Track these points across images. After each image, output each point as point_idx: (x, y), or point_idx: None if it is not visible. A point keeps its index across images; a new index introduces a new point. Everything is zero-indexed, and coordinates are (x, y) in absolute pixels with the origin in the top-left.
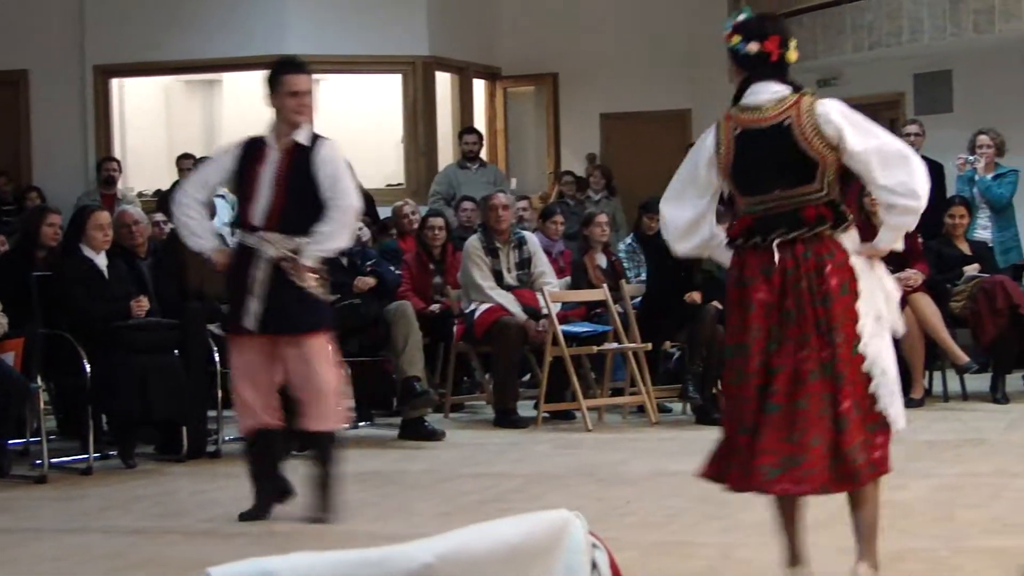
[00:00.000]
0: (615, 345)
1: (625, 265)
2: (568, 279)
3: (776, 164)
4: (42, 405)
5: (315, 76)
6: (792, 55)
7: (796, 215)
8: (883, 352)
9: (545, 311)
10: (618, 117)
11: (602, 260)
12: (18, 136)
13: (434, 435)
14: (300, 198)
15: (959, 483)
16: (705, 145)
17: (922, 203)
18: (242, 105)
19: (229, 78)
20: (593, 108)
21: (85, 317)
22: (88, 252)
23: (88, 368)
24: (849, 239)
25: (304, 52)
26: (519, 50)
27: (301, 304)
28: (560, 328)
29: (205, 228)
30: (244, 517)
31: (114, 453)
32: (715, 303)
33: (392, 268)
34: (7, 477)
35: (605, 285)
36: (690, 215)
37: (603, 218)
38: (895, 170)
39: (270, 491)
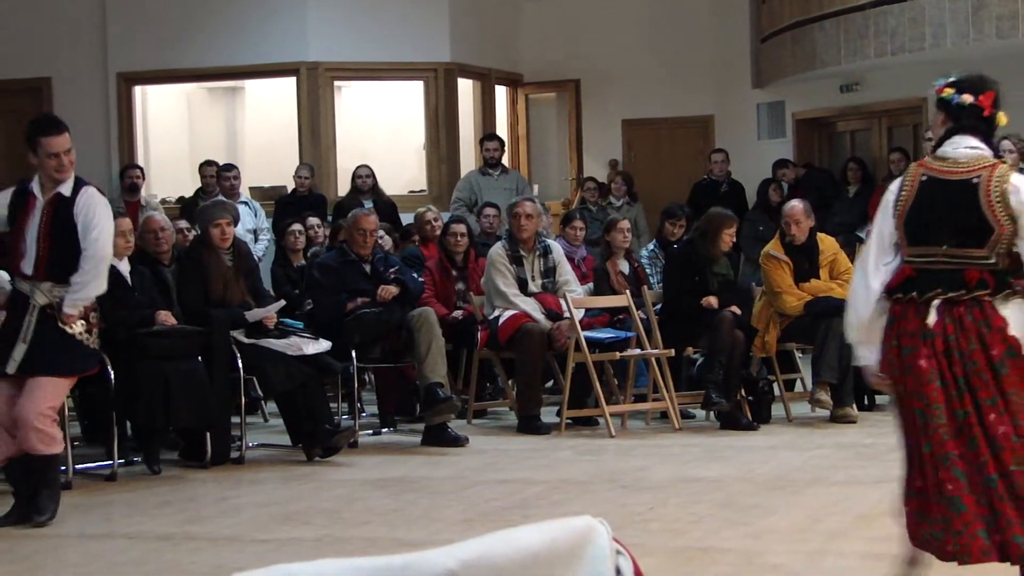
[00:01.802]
0: (638, 351)
1: (647, 271)
2: (591, 285)
3: (953, 219)
4: (66, 411)
5: (337, 83)
6: (1002, 119)
7: (958, 276)
8: None
9: (567, 316)
10: (640, 123)
11: (624, 266)
12: None
13: (457, 441)
14: (63, 248)
15: None
16: (889, 193)
17: None
18: (264, 112)
19: (251, 85)
20: (615, 114)
21: (108, 324)
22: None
23: (112, 375)
24: (1009, 309)
25: (326, 59)
26: (541, 56)
27: (60, 349)
28: (583, 334)
29: None
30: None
31: (138, 459)
32: (732, 308)
33: (415, 275)
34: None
35: (627, 291)
36: (878, 284)
37: (625, 224)
38: None
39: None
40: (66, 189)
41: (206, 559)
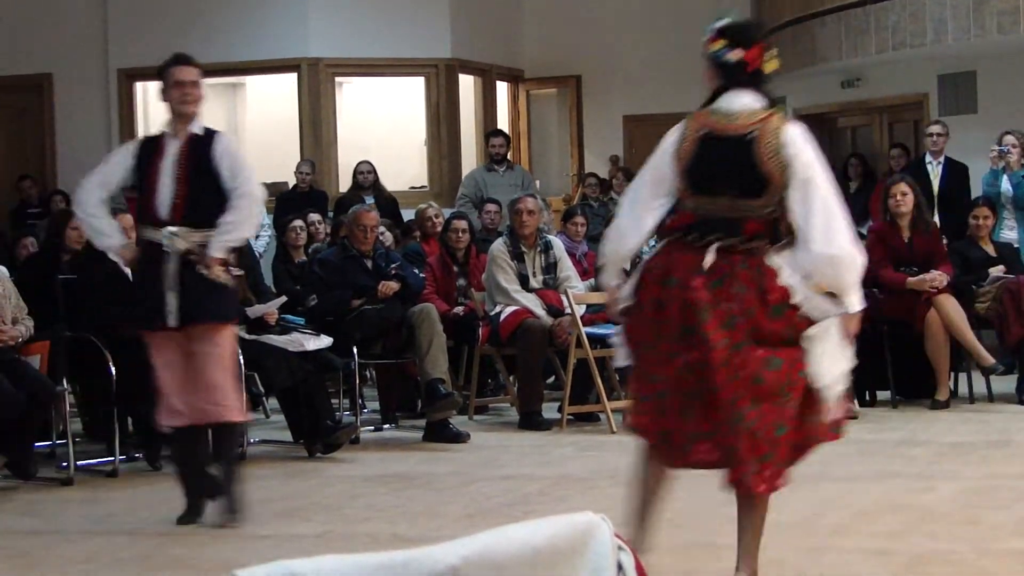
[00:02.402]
0: None
1: None
2: (592, 281)
3: (732, 172)
4: (68, 408)
5: (338, 79)
6: (771, 65)
7: (736, 225)
8: (827, 364)
9: (569, 312)
10: (641, 119)
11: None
12: (43, 140)
13: (458, 437)
14: (201, 190)
15: (985, 485)
16: (668, 143)
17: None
18: (265, 108)
19: (252, 81)
20: (616, 110)
21: (107, 318)
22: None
23: (113, 371)
24: (782, 259)
25: (327, 55)
26: (542, 52)
27: (212, 295)
28: (584, 330)
29: (111, 226)
30: (181, 521)
31: (140, 455)
32: None
33: (416, 271)
34: (34, 479)
35: None
36: (653, 222)
37: None
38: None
39: (200, 490)
40: (198, 128)
41: (208, 555)
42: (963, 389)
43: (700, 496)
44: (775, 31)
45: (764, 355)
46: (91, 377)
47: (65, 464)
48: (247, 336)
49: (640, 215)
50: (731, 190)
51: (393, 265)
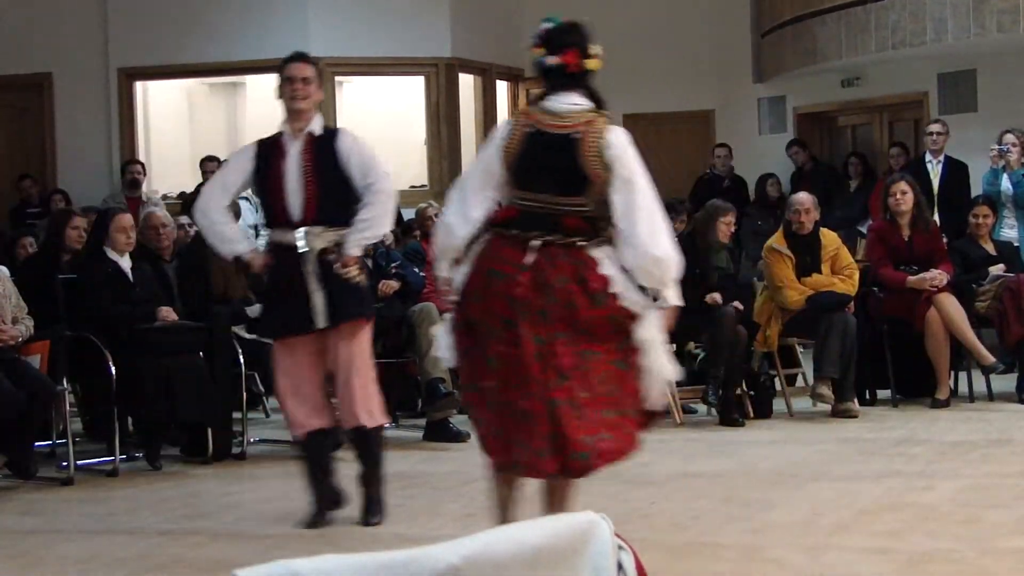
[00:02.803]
0: None
1: None
2: None
3: (555, 170)
4: (68, 407)
5: (338, 78)
6: (592, 64)
7: (557, 221)
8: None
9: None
10: (641, 118)
11: None
12: (43, 139)
13: (459, 437)
14: (330, 188)
15: (985, 484)
16: (497, 136)
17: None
18: (265, 108)
19: (252, 81)
20: (616, 109)
21: (109, 319)
22: (112, 254)
23: (114, 370)
24: (602, 252)
25: (326, 55)
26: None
27: (353, 294)
28: None
29: (235, 232)
30: (309, 525)
31: (140, 455)
32: (735, 304)
33: (416, 270)
34: (34, 479)
35: None
36: (480, 213)
37: None
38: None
39: (326, 496)
40: (317, 128)
41: (208, 554)
42: (963, 388)
43: (700, 496)
44: (775, 30)
45: (584, 348)
46: (91, 377)
47: (65, 464)
48: (247, 335)
49: (468, 207)
50: (553, 187)
51: (393, 264)
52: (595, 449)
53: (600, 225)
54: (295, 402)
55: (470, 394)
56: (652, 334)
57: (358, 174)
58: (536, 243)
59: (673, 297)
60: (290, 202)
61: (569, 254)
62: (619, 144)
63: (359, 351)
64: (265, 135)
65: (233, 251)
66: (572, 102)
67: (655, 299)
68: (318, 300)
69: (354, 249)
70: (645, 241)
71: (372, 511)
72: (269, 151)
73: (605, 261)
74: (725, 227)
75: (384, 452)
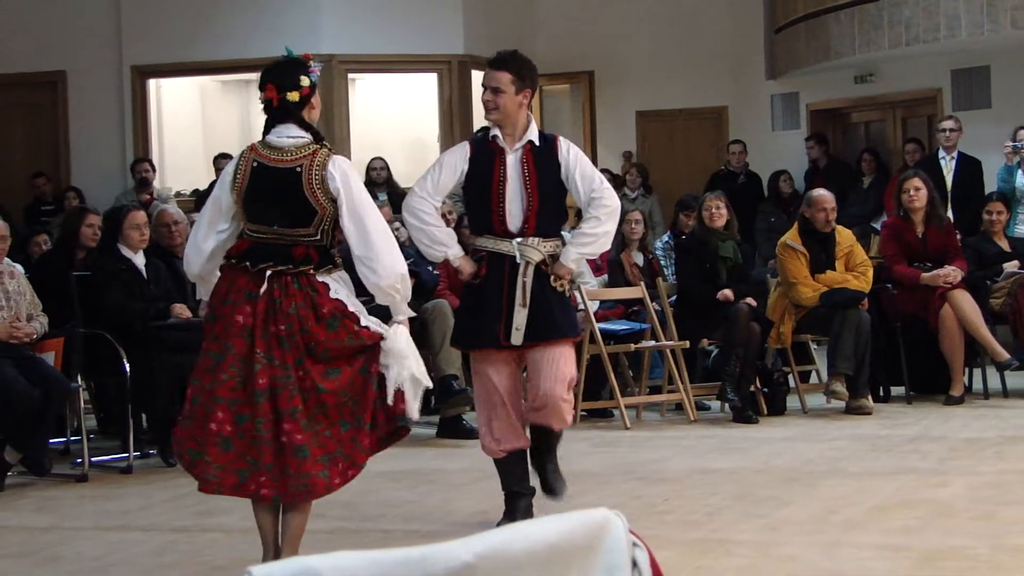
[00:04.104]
0: (652, 343)
1: (662, 263)
2: (605, 277)
3: (280, 203)
4: (82, 404)
5: (351, 75)
6: (293, 96)
7: (287, 251)
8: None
9: (582, 307)
10: (654, 115)
11: (639, 258)
12: (57, 137)
13: (472, 433)
14: (550, 199)
15: (1000, 481)
16: (227, 171)
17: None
18: None
19: None
20: (629, 106)
21: (122, 316)
22: (125, 251)
23: (128, 367)
24: (331, 278)
25: (339, 52)
26: (555, 48)
27: (562, 310)
28: (598, 326)
29: (449, 235)
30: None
31: (154, 452)
32: (748, 300)
33: (430, 268)
34: (48, 476)
35: (642, 283)
36: (215, 243)
37: (635, 216)
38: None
39: (520, 499)
40: (535, 137)
41: (222, 551)
42: (977, 385)
43: (714, 493)
44: (788, 26)
45: (323, 368)
46: (105, 374)
47: (80, 460)
48: None
49: (201, 240)
50: (281, 219)
51: (407, 261)
52: (315, 480)
53: (326, 252)
54: (488, 419)
55: (191, 427)
56: (402, 345)
57: (586, 185)
58: (268, 272)
59: (407, 310)
60: (510, 211)
61: (299, 282)
62: (342, 173)
63: (565, 358)
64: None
65: (444, 254)
66: (290, 135)
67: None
68: (521, 317)
69: (572, 262)
70: (390, 263)
71: (553, 491)
72: (484, 154)
73: (334, 286)
74: (716, 210)
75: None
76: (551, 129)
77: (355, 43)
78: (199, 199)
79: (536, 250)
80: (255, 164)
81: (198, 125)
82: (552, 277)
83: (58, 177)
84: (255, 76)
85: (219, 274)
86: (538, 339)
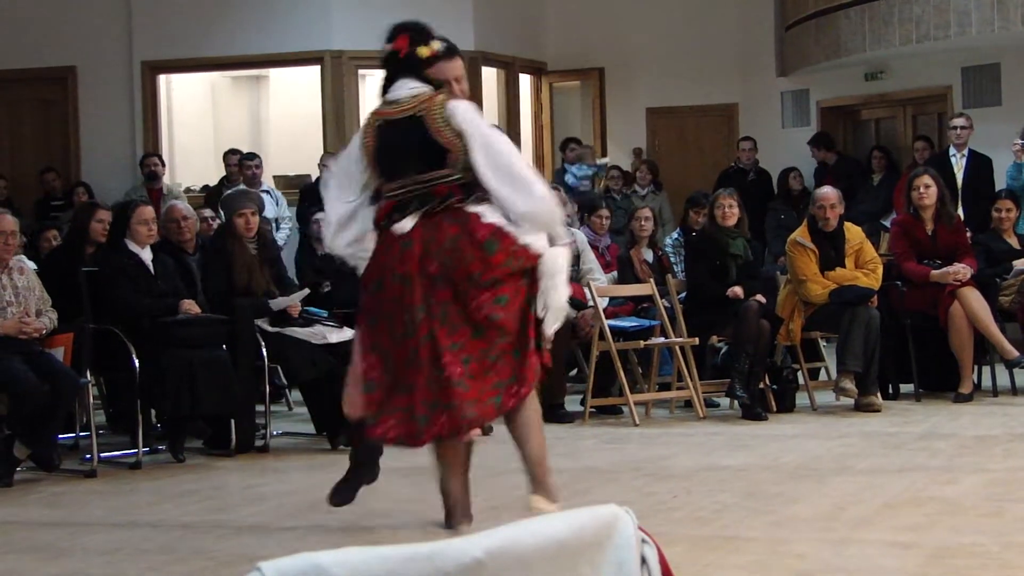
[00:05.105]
0: (662, 340)
1: (672, 260)
2: (615, 274)
3: (411, 151)
4: (91, 400)
5: (361, 71)
6: (423, 51)
7: (428, 194)
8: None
9: (591, 305)
10: (664, 112)
11: (648, 255)
12: (67, 132)
13: (482, 430)
14: None
15: (1009, 478)
16: (355, 141)
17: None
18: (288, 100)
19: (275, 73)
20: (639, 103)
21: (130, 311)
22: (133, 247)
23: (137, 363)
24: (481, 207)
25: (350, 48)
26: (565, 45)
27: None
28: (607, 323)
29: None
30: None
31: (163, 448)
32: (758, 297)
33: None
34: (57, 471)
35: (652, 280)
36: (344, 210)
37: (644, 212)
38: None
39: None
40: None
41: (231, 547)
42: (987, 382)
43: (723, 490)
44: (799, 23)
45: (491, 296)
46: (115, 369)
47: (89, 456)
48: (269, 328)
49: (331, 212)
50: (415, 167)
51: None
52: (484, 408)
53: (471, 187)
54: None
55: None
56: (559, 264)
57: None
58: (414, 214)
59: (563, 233)
60: None
61: (449, 215)
62: (463, 110)
63: None
64: (283, 122)
65: None
66: (409, 87)
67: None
68: None
69: None
70: (520, 198)
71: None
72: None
73: (486, 213)
74: (728, 208)
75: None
76: (561, 126)
77: (365, 39)
78: (209, 195)
79: None
80: (379, 124)
81: (208, 121)
82: None
83: (68, 172)
84: (265, 72)
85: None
86: None
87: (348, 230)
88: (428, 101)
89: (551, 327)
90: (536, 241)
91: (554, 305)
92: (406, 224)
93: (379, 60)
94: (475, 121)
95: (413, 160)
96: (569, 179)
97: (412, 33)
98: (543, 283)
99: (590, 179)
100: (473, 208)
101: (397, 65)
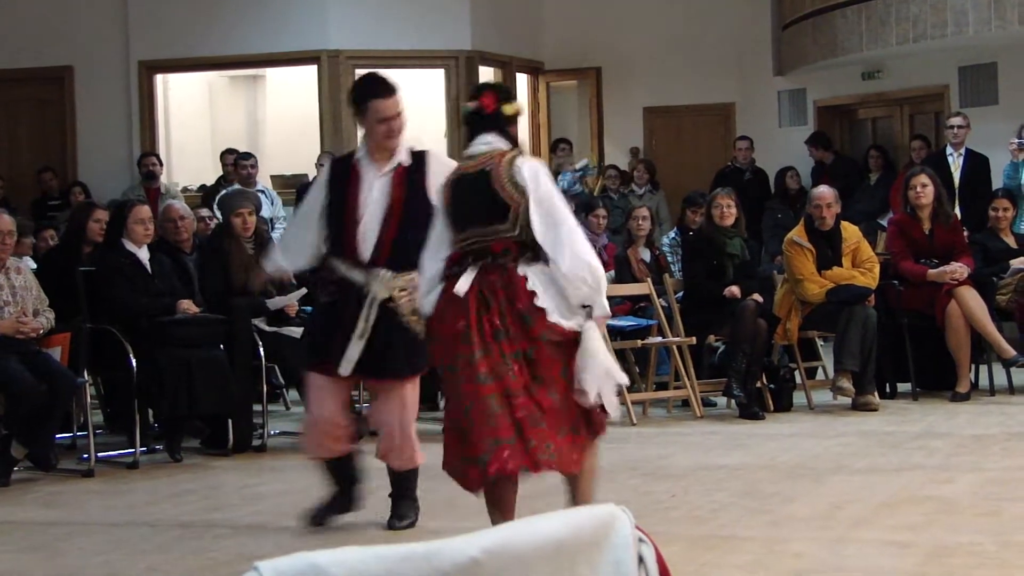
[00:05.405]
0: (659, 339)
1: (669, 259)
2: (612, 273)
3: (475, 203)
4: (89, 399)
5: (358, 71)
6: (509, 109)
7: (485, 249)
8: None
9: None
10: (662, 111)
11: (645, 254)
12: (64, 132)
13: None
14: (412, 230)
15: (1006, 477)
16: (439, 199)
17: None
18: (285, 100)
19: (272, 73)
20: (636, 102)
21: (127, 310)
22: (130, 246)
23: (134, 363)
24: (530, 269)
25: (346, 47)
26: (562, 44)
27: (405, 347)
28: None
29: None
30: (313, 521)
31: (160, 447)
32: (755, 296)
33: None
34: (55, 471)
35: (649, 279)
36: (438, 269)
37: (641, 212)
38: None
39: (339, 501)
40: (405, 158)
41: (228, 547)
42: (984, 381)
43: (720, 489)
44: (796, 23)
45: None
46: (112, 369)
47: (86, 456)
48: (267, 328)
49: (425, 272)
50: (478, 221)
51: None
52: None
53: (527, 246)
54: (311, 426)
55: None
56: (595, 345)
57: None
58: (471, 270)
59: (604, 304)
60: (364, 242)
61: (499, 274)
62: (530, 169)
63: (403, 399)
64: (280, 122)
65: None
66: (486, 142)
67: (587, 312)
68: (354, 348)
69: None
70: (569, 259)
71: (399, 515)
72: (344, 177)
73: (532, 278)
74: (726, 209)
75: (416, 480)
76: (558, 125)
77: (362, 38)
78: (206, 194)
79: (383, 285)
80: (454, 178)
81: (205, 120)
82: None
83: (65, 172)
84: (262, 71)
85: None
86: (374, 375)
87: (436, 291)
88: (499, 157)
89: (610, 403)
90: (567, 321)
91: (590, 382)
92: (464, 281)
93: (464, 119)
94: (538, 179)
95: (477, 214)
96: (562, 184)
97: (499, 91)
98: (578, 361)
99: (579, 181)
100: (521, 270)
101: (482, 121)
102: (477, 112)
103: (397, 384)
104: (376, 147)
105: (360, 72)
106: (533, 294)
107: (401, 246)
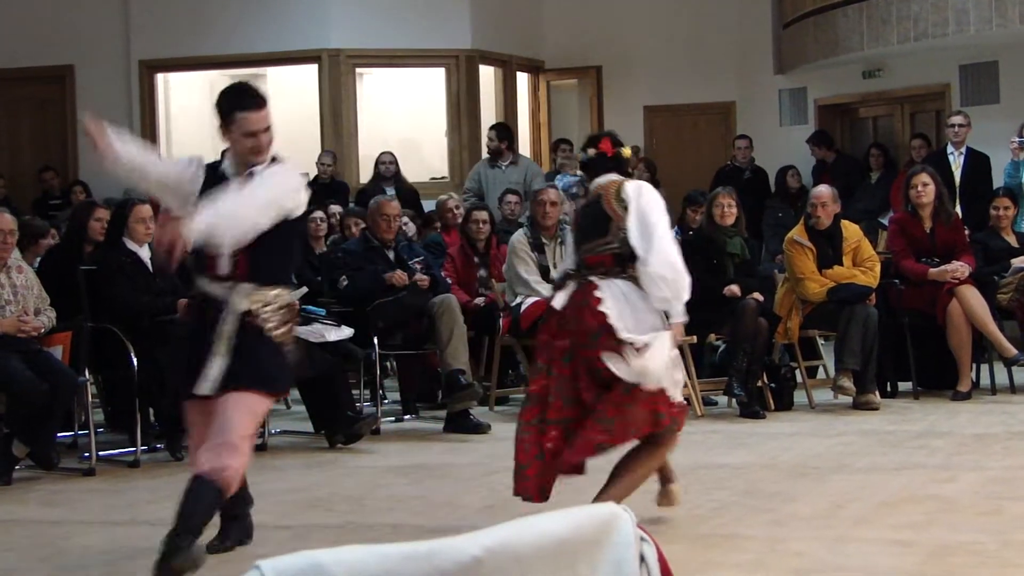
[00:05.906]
0: None
1: None
2: None
3: (589, 224)
4: (90, 398)
5: (359, 70)
6: (626, 152)
7: (582, 262)
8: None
9: None
10: (662, 110)
11: None
12: (64, 131)
13: (479, 428)
14: (270, 242)
15: (1007, 476)
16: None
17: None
18: (286, 99)
19: (273, 72)
20: (637, 101)
21: (128, 309)
22: (131, 245)
23: (135, 361)
24: (609, 283)
25: (347, 46)
26: (563, 43)
27: (266, 360)
28: None
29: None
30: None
31: (161, 446)
32: (755, 295)
33: (441, 275)
34: (56, 470)
35: None
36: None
37: None
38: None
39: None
40: (261, 169)
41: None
42: (985, 380)
43: (721, 488)
44: (797, 21)
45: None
46: (113, 368)
47: (87, 454)
48: None
49: (556, 275)
50: (589, 236)
51: (416, 260)
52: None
53: (622, 258)
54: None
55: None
56: (657, 362)
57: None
58: (569, 286)
59: (681, 311)
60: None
61: (582, 289)
62: (634, 186)
63: (240, 408)
64: (281, 121)
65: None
66: (608, 178)
67: (667, 317)
68: (215, 366)
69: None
70: (665, 253)
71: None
72: (211, 184)
73: (607, 295)
74: (727, 208)
75: (213, 505)
76: (558, 124)
77: (363, 38)
78: None
79: (243, 298)
80: (583, 204)
81: (206, 119)
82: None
83: (66, 171)
84: (263, 70)
85: None
86: (228, 387)
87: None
88: (612, 183)
89: (669, 386)
90: (640, 336)
91: (650, 376)
92: (558, 297)
93: (583, 166)
94: (640, 193)
95: (588, 231)
96: (561, 185)
97: (612, 138)
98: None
99: (577, 184)
100: (598, 283)
101: (605, 163)
102: (600, 157)
103: (245, 392)
104: (240, 161)
105: (360, 71)
106: (602, 314)
107: (257, 260)
